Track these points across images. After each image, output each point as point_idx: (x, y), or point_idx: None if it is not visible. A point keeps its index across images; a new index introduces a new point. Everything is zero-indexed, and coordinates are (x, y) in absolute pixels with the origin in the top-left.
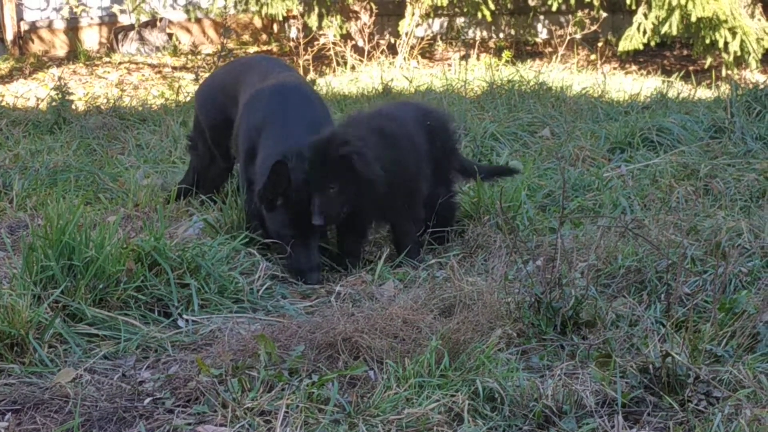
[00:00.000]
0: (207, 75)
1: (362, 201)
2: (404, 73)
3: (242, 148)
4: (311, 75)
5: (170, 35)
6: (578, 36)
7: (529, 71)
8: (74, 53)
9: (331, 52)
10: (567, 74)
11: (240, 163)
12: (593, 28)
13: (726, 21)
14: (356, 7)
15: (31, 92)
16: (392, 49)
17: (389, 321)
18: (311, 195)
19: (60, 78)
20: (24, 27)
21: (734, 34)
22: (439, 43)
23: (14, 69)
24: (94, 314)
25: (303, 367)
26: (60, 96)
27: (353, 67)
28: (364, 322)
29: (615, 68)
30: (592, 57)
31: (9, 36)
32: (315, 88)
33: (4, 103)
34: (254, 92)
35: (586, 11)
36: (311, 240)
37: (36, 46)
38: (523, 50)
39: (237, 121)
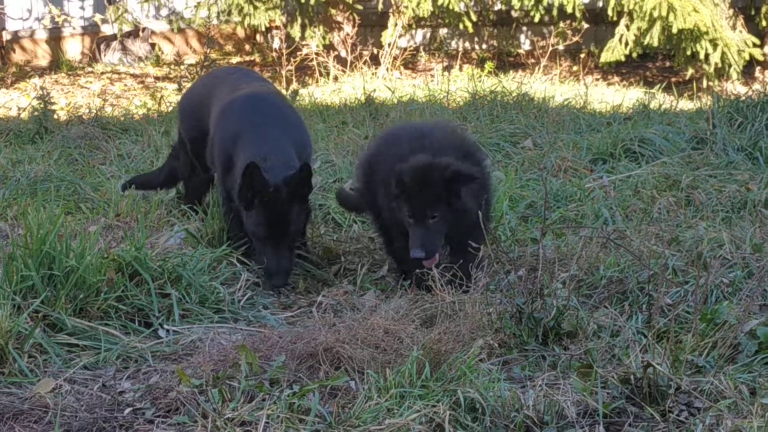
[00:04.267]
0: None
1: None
2: (387, 84)
3: (218, 160)
4: (294, 85)
5: (153, 45)
6: (561, 47)
7: (511, 82)
8: (56, 63)
9: (314, 62)
10: (549, 85)
11: (217, 174)
12: (575, 39)
13: (707, 33)
14: (339, 18)
15: (12, 102)
16: (375, 60)
17: (371, 331)
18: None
19: (42, 88)
20: (6, 37)
21: (715, 46)
22: (422, 54)
23: None
24: (74, 324)
25: (284, 378)
26: (42, 105)
27: (336, 78)
28: (345, 333)
29: (597, 79)
30: (575, 68)
31: None
32: (298, 98)
33: None
34: (226, 103)
35: (569, 22)
36: (284, 243)
37: (18, 56)
38: (506, 61)
39: (211, 133)
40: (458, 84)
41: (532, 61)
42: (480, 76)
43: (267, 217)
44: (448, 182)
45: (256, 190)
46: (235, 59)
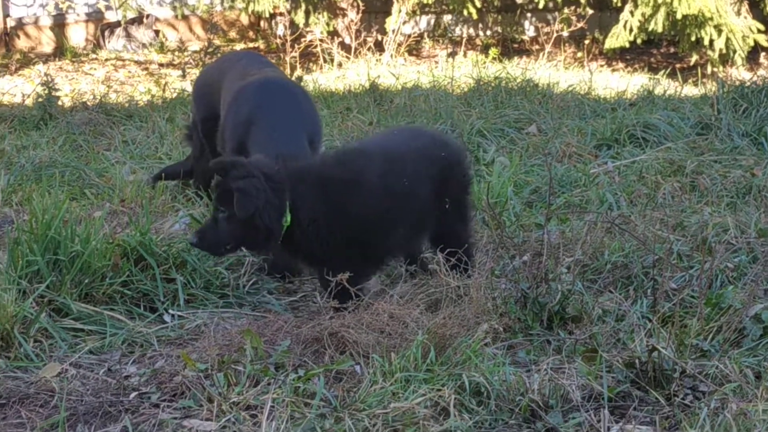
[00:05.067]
0: (197, 71)
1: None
2: (391, 70)
3: (229, 145)
4: (298, 72)
5: (157, 32)
6: (565, 33)
7: (516, 68)
8: (60, 50)
9: (318, 49)
10: (554, 71)
11: None
12: (580, 25)
13: (711, 18)
14: (343, 4)
15: (17, 88)
16: (379, 47)
17: (376, 316)
18: None
19: (46, 74)
20: (10, 23)
21: (720, 32)
22: (426, 40)
23: (0, 65)
24: (79, 309)
25: (289, 362)
26: (46, 92)
27: (340, 64)
28: (350, 317)
29: (602, 66)
30: (579, 54)
31: None
32: (302, 84)
33: None
34: (239, 88)
35: (573, 8)
36: None
37: (22, 43)
38: (510, 47)
39: (222, 117)
40: (462, 70)
41: (537, 47)
42: (484, 63)
43: None
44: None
45: None
46: (239, 46)
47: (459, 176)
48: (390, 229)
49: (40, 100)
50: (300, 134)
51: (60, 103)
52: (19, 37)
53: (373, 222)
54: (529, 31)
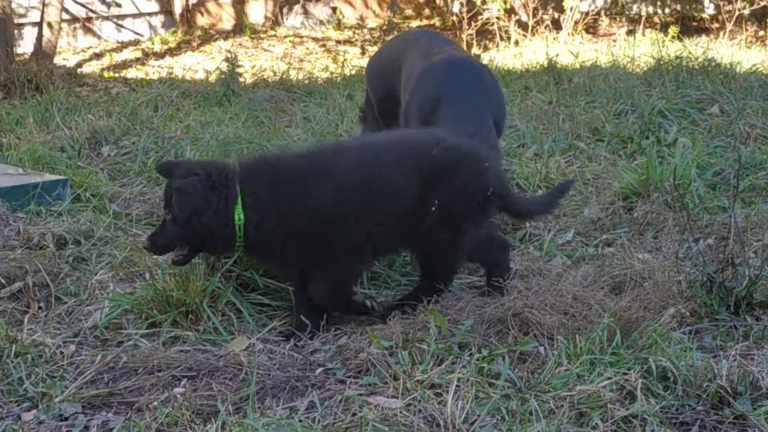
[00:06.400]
0: (375, 48)
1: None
2: (569, 49)
3: (414, 124)
4: (474, 50)
5: (334, 9)
6: (746, 11)
7: (696, 47)
8: (240, 26)
9: (495, 26)
10: (735, 50)
11: None
12: (762, 3)
13: None
14: None
15: (199, 65)
16: (556, 24)
17: (559, 297)
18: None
19: (229, 51)
20: (192, 0)
21: None
22: (603, 18)
23: (182, 42)
24: (265, 284)
25: (473, 342)
26: (229, 69)
27: (517, 42)
28: (534, 298)
29: None
30: (761, 33)
31: (177, 9)
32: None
33: (173, 76)
34: (425, 67)
35: None
36: None
37: (203, 20)
38: (689, 26)
39: (407, 96)
40: (641, 49)
41: (717, 25)
42: (663, 41)
43: None
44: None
45: None
46: (414, 23)
47: (455, 184)
48: (350, 229)
49: (222, 76)
50: (485, 114)
51: (241, 79)
52: (201, 14)
53: (330, 219)
54: (709, 9)
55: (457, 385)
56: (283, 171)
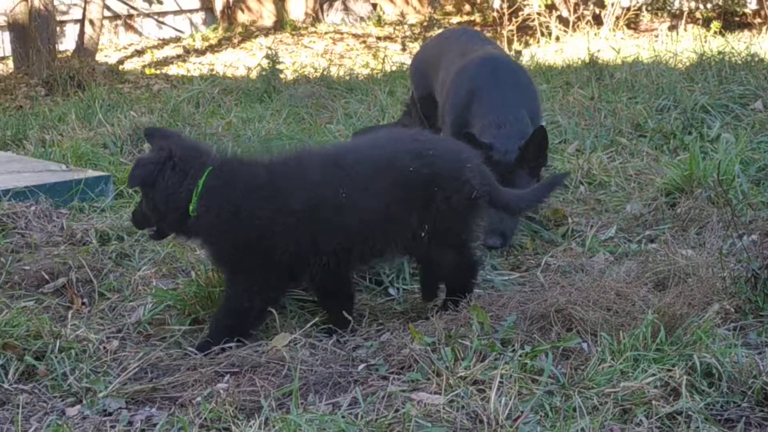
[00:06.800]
0: (416, 45)
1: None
2: (611, 44)
3: (449, 121)
4: (515, 46)
5: (374, 5)
6: None
7: (738, 42)
8: (280, 23)
9: (535, 22)
10: None
11: (446, 135)
12: None
13: None
14: None
15: (239, 61)
16: (597, 20)
17: (602, 293)
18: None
19: (270, 48)
20: None
21: None
22: (645, 13)
23: (223, 39)
24: None
25: (516, 338)
26: (270, 65)
27: (558, 38)
28: (576, 294)
29: None
30: None
31: (218, 6)
32: (520, 59)
33: (214, 72)
34: (461, 66)
35: None
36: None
37: (243, 16)
38: (732, 21)
39: (443, 94)
40: (683, 44)
41: (759, 20)
42: (705, 36)
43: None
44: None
45: None
46: (455, 19)
47: (437, 199)
48: (279, 246)
49: (263, 73)
50: (520, 112)
51: (282, 76)
52: (242, 10)
53: (275, 232)
54: (751, 4)
55: (500, 382)
56: (244, 177)
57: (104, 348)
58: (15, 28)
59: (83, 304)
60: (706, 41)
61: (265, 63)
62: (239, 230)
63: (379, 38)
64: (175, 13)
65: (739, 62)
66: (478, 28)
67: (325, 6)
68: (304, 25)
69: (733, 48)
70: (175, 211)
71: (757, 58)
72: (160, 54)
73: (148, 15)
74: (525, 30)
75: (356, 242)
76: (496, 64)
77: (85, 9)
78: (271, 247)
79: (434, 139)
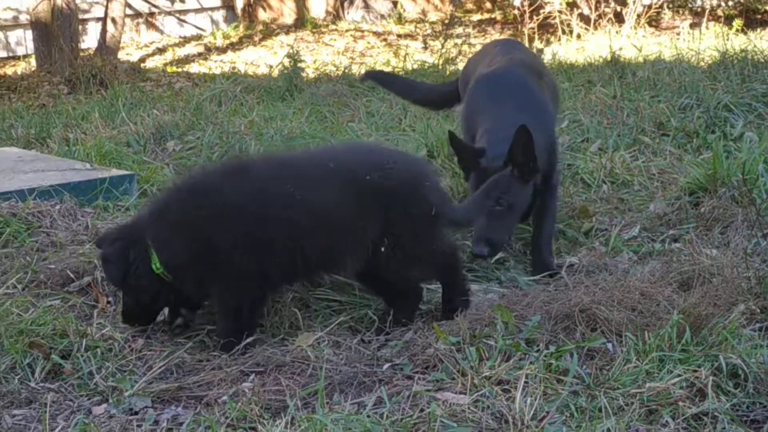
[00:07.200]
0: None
1: None
2: (632, 42)
3: (463, 134)
4: (536, 44)
5: (395, 3)
6: None
7: (761, 40)
8: (301, 21)
9: (557, 20)
10: None
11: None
12: None
13: None
14: None
15: (260, 59)
16: (618, 18)
17: (626, 293)
18: None
19: (291, 46)
20: None
21: None
22: (666, 11)
23: (244, 37)
24: (332, 279)
25: (540, 338)
26: (292, 64)
27: (579, 36)
28: (601, 294)
29: None
30: None
31: (239, 4)
32: (541, 57)
33: (236, 70)
34: (480, 75)
35: None
36: (493, 213)
37: (264, 14)
38: (754, 18)
39: (463, 104)
40: (705, 42)
41: None
42: (727, 34)
43: (475, 185)
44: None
45: (462, 158)
46: (475, 17)
47: (396, 209)
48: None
49: (285, 71)
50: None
51: (303, 74)
52: (263, 8)
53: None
54: None
55: (526, 382)
56: (176, 210)
57: (130, 347)
58: (37, 26)
59: (108, 302)
60: (728, 39)
61: (286, 61)
62: (202, 258)
63: (399, 36)
64: (197, 11)
65: (762, 60)
66: (498, 26)
67: (346, 4)
68: (325, 23)
69: (755, 46)
70: (151, 282)
71: None
72: (181, 52)
73: (169, 13)
74: (546, 28)
75: (313, 249)
76: (499, 79)
77: (107, 7)
78: (229, 259)
79: (395, 152)
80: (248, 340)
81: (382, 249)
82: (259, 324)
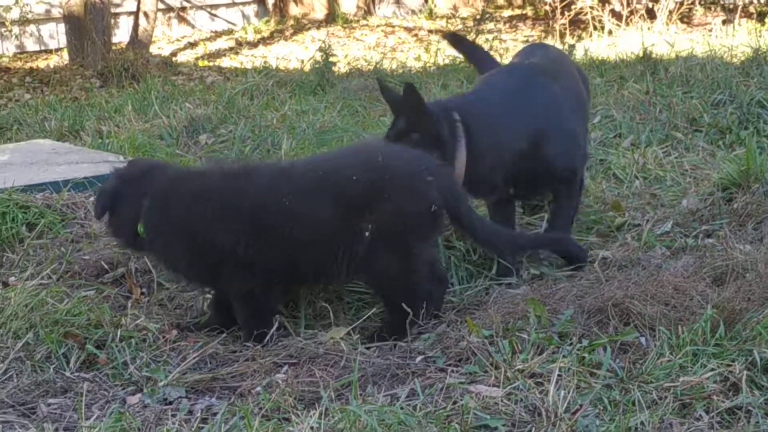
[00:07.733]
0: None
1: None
2: (665, 38)
3: None
4: (568, 39)
5: None
6: None
7: None
8: (332, 16)
9: (588, 16)
10: None
11: None
12: None
13: None
14: None
15: (291, 54)
16: (650, 14)
17: (660, 288)
18: None
19: (321, 41)
20: None
21: None
22: (698, 7)
23: (275, 31)
24: None
25: (573, 331)
26: (324, 58)
27: (610, 32)
28: (634, 288)
29: None
30: None
31: None
32: (573, 53)
33: (267, 65)
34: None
35: None
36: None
37: (296, 9)
38: None
39: None
40: (737, 39)
41: None
42: (759, 31)
43: None
44: None
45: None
46: (506, 12)
47: (387, 208)
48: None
49: (317, 66)
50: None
51: (335, 69)
52: (295, 3)
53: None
54: None
55: (558, 375)
56: (184, 190)
57: (164, 337)
58: (70, 20)
59: (142, 293)
60: (760, 36)
61: (318, 55)
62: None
63: (430, 32)
64: (228, 5)
65: None
66: (529, 22)
67: None
68: (356, 18)
69: None
70: (129, 235)
71: None
72: (212, 46)
73: (200, 7)
74: (577, 24)
75: (301, 250)
76: (502, 78)
77: (139, 1)
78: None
79: (390, 148)
80: (274, 329)
81: (366, 234)
82: (277, 311)
